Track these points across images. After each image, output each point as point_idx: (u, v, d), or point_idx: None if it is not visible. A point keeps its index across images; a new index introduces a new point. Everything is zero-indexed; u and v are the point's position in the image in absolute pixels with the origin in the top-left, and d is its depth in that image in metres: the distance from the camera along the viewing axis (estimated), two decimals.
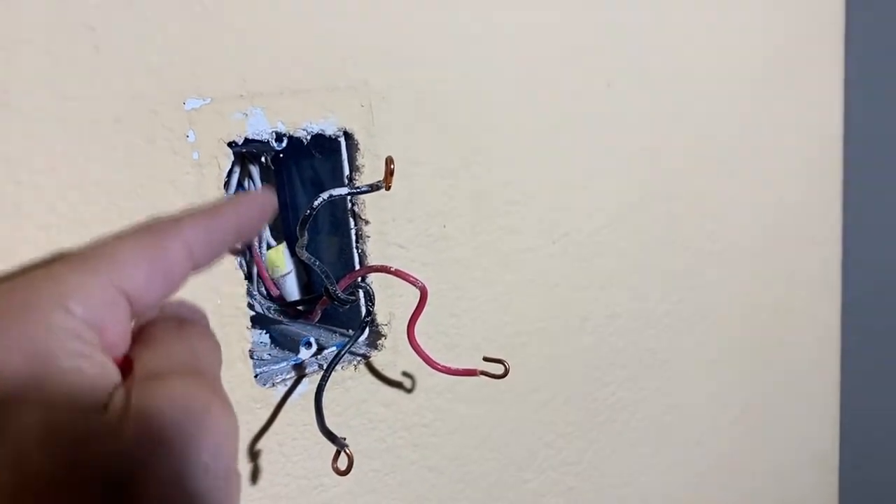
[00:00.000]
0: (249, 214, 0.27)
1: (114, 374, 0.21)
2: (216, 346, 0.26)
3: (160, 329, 0.24)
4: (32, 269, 0.22)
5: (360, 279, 0.40)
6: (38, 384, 0.19)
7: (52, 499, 0.19)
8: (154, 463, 0.19)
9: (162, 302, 0.24)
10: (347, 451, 0.35)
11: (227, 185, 0.39)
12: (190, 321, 0.26)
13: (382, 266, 0.38)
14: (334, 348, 0.43)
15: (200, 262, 0.25)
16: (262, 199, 0.28)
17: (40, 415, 0.19)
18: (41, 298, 0.20)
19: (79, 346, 0.20)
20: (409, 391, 0.46)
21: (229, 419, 0.22)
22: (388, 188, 0.35)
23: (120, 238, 0.23)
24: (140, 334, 0.24)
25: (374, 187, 0.36)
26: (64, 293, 0.21)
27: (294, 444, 0.41)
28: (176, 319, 0.25)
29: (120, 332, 0.22)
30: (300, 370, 0.41)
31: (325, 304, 0.39)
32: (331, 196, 0.35)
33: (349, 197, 0.42)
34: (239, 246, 0.28)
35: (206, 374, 0.23)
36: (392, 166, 0.35)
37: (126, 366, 0.22)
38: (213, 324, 0.37)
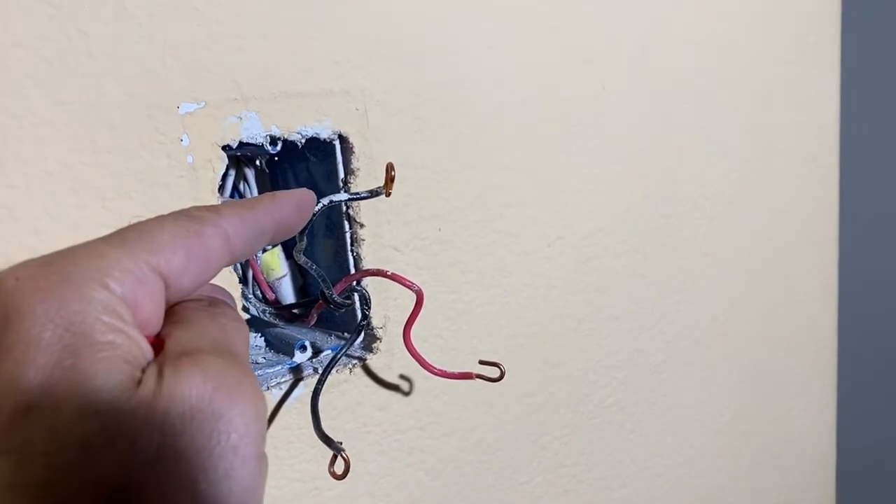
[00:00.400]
0: (287, 210, 0.28)
1: (147, 350, 0.22)
2: (244, 328, 0.26)
3: (191, 309, 0.25)
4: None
5: (355, 282, 0.40)
6: (72, 357, 0.20)
7: (89, 469, 0.19)
8: (184, 439, 0.20)
9: (196, 288, 0.24)
10: (344, 455, 0.35)
11: (221, 188, 0.39)
12: (220, 302, 0.26)
13: (378, 270, 0.38)
14: (329, 351, 0.43)
15: (237, 253, 0.25)
16: (299, 196, 0.29)
17: (74, 388, 0.19)
18: (81, 273, 0.21)
19: (114, 321, 0.21)
20: (404, 394, 0.46)
21: (259, 400, 0.22)
22: (388, 195, 0.35)
23: (160, 221, 0.24)
24: (171, 314, 0.24)
25: (374, 193, 0.36)
26: (103, 270, 0.21)
27: (289, 448, 0.41)
28: (206, 300, 0.26)
29: (154, 312, 0.23)
30: (295, 374, 0.41)
31: (321, 307, 0.39)
32: (331, 202, 0.35)
33: (348, 202, 0.42)
34: (276, 241, 0.28)
35: (237, 354, 0.23)
36: (393, 173, 0.35)
37: (157, 345, 0.23)
38: None
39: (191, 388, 0.20)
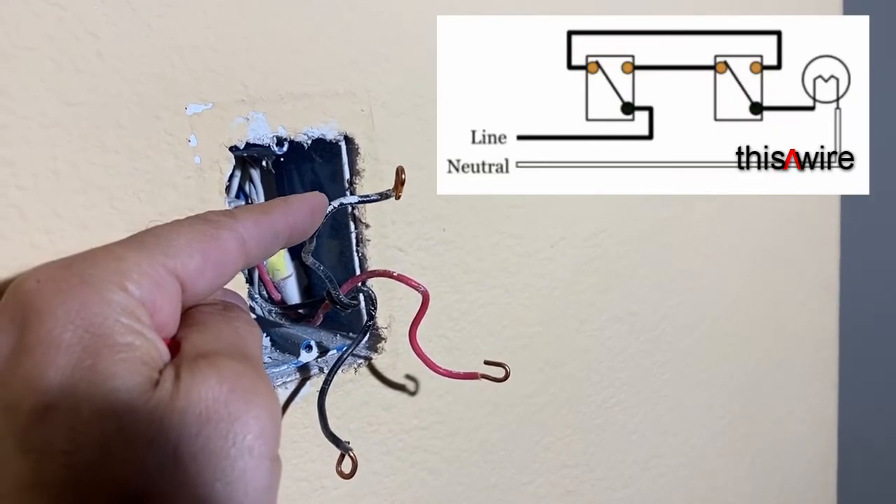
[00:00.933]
0: (300, 214, 0.29)
1: (164, 352, 0.22)
2: (258, 332, 0.26)
3: (206, 312, 0.25)
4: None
5: (360, 283, 0.40)
6: (92, 357, 0.20)
7: (108, 468, 0.19)
8: (201, 440, 0.20)
9: (212, 291, 0.25)
10: (352, 454, 0.36)
11: (228, 189, 0.39)
12: (234, 306, 0.26)
13: (385, 271, 0.38)
14: (335, 351, 0.43)
15: (252, 257, 0.26)
16: (312, 200, 0.30)
17: (93, 389, 0.20)
18: (100, 275, 0.21)
19: (133, 323, 0.21)
20: (409, 394, 0.46)
21: (274, 402, 0.22)
22: (397, 198, 0.36)
23: (177, 225, 0.24)
24: (187, 317, 0.24)
25: (384, 196, 0.36)
26: (122, 272, 0.21)
27: (294, 447, 0.41)
28: (221, 304, 0.26)
29: (170, 314, 0.23)
30: (301, 373, 0.41)
31: (327, 308, 0.39)
32: (341, 204, 0.36)
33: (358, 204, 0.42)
34: (290, 245, 0.29)
35: (251, 357, 0.24)
36: (403, 176, 0.35)
37: (174, 347, 0.23)
38: None
39: (207, 389, 0.21)
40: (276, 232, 0.27)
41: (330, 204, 0.35)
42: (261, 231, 0.26)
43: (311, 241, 0.36)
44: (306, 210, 0.29)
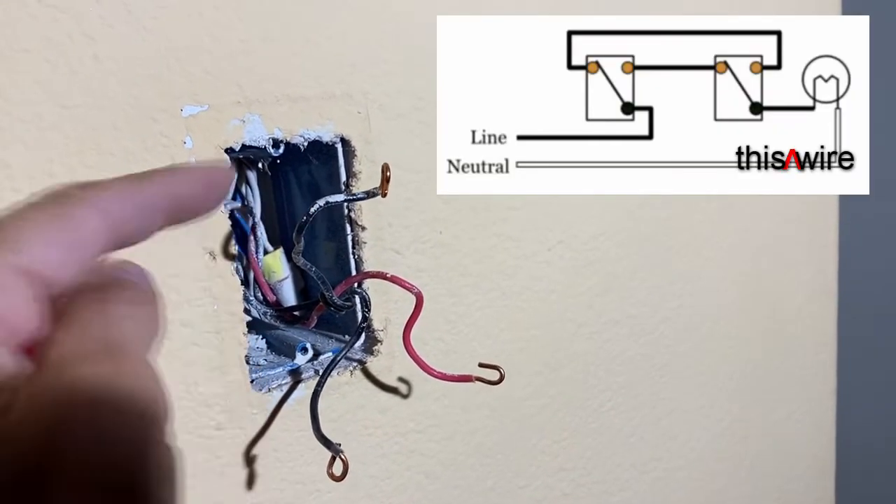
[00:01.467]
0: (188, 186, 0.24)
1: (11, 367, 0.18)
2: (146, 310, 0.22)
3: (78, 304, 0.20)
4: None
5: (356, 285, 0.40)
6: None
7: None
8: (61, 468, 0.16)
9: (79, 273, 0.21)
10: (342, 456, 0.36)
11: None
12: (117, 288, 0.21)
13: (378, 272, 0.38)
14: (330, 354, 0.43)
15: (125, 233, 0.22)
16: (209, 172, 0.25)
17: None
18: None
19: None
20: (404, 397, 0.46)
21: (151, 409, 0.18)
22: (384, 195, 0.36)
23: (22, 213, 0.20)
24: (56, 309, 0.20)
25: (370, 194, 0.36)
26: None
27: (290, 450, 0.41)
28: (99, 290, 0.21)
29: (28, 318, 0.19)
30: (296, 376, 0.41)
31: (321, 309, 0.39)
32: (327, 203, 0.36)
33: (346, 203, 0.42)
34: (182, 220, 0.24)
35: (127, 352, 0.20)
36: (388, 173, 0.35)
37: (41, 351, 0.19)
38: (209, 329, 0.37)
39: (62, 405, 0.17)
40: (154, 205, 0.23)
41: (316, 203, 0.35)
42: (129, 204, 0.22)
43: (299, 240, 0.36)
44: (197, 183, 0.24)
